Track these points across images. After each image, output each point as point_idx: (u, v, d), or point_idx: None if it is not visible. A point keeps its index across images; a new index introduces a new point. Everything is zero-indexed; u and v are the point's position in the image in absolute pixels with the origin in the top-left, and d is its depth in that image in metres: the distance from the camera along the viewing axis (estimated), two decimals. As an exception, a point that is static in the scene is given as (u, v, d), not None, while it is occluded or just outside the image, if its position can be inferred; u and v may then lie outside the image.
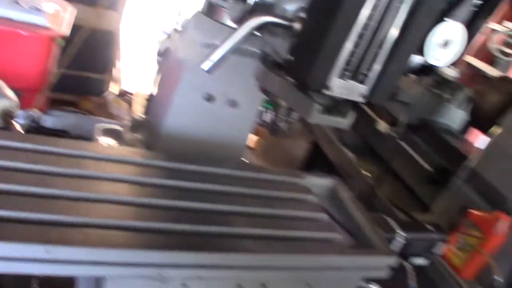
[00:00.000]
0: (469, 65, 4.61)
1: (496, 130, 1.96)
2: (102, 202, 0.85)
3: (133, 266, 0.77)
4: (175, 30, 1.37)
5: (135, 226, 0.83)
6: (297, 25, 0.72)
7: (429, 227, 1.35)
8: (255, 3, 0.75)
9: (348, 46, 0.69)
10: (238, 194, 1.05)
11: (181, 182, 1.00)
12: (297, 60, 0.72)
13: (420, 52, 0.75)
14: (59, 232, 0.73)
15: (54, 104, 3.04)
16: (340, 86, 0.72)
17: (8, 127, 1.15)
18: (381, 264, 1.04)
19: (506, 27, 3.78)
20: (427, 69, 0.98)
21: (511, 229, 1.71)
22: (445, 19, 0.75)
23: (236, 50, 1.07)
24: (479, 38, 4.20)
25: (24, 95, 2.47)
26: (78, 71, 3.87)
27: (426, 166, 2.21)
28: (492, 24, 4.11)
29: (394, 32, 0.72)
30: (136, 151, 1.10)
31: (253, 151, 3.57)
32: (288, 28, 0.72)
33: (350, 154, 2.35)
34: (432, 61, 0.76)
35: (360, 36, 0.69)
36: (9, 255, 0.69)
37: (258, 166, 1.25)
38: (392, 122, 2.34)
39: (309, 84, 0.70)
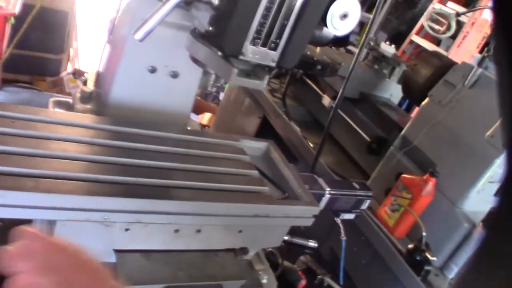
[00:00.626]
0: (416, 45, 4.85)
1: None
2: (53, 157, 0.96)
3: (81, 211, 0.89)
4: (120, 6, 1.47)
5: (83, 177, 0.94)
6: (215, 0, 0.84)
7: (355, 185, 1.50)
8: (184, -19, 0.87)
9: (257, 17, 0.82)
10: (178, 153, 1.17)
11: (126, 143, 1.11)
12: (216, 30, 0.85)
13: (324, 23, 0.89)
14: (13, 180, 0.84)
15: (9, 83, 3.06)
16: (254, 52, 0.85)
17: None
18: (305, 213, 1.19)
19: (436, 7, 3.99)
20: (342, 41, 1.13)
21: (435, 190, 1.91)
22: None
23: (172, 25, 1.19)
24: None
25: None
26: (33, 51, 3.85)
27: (365, 136, 2.39)
28: (435, 4, 4.34)
29: (298, 5, 0.85)
30: (85, 116, 1.20)
31: (206, 128, 3.69)
32: (208, 3, 0.85)
33: (295, 127, 2.51)
34: (333, 30, 0.90)
35: (267, 9, 0.82)
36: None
37: (199, 131, 1.38)
38: (335, 96, 2.50)
39: (225, 50, 0.83)
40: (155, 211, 0.96)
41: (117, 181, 0.96)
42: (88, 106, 1.41)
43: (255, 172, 1.21)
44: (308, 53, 2.57)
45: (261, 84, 0.88)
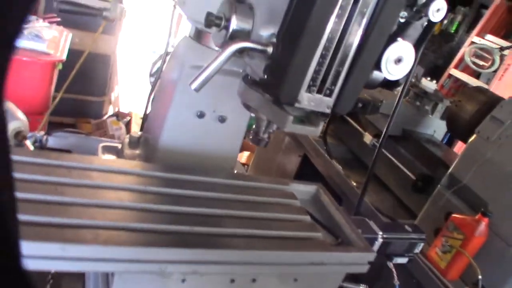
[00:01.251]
0: (455, 78, 4.77)
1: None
2: (108, 207, 0.97)
3: (138, 262, 0.89)
4: (166, 52, 1.51)
5: (139, 228, 0.94)
6: (269, 49, 0.85)
7: (408, 228, 1.45)
8: (234, 30, 0.89)
9: (313, 64, 0.82)
10: (229, 200, 1.17)
11: (177, 190, 1.12)
12: (271, 79, 0.85)
13: (378, 67, 0.88)
14: (72, 233, 0.85)
15: (54, 127, 3.17)
16: (309, 100, 0.85)
17: (21, 146, 1.27)
18: (360, 259, 1.15)
19: (478, 42, 3.94)
20: (391, 83, 1.11)
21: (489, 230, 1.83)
22: (397, 39, 0.88)
23: (220, 71, 1.21)
24: (463, 52, 4.38)
25: (28, 118, 2.61)
26: (77, 95, 3.99)
27: (409, 174, 2.33)
28: (473, 37, 4.29)
29: (352, 51, 0.85)
30: (136, 163, 1.22)
31: (246, 166, 3.69)
32: (262, 52, 0.85)
33: (337, 166, 2.48)
34: (387, 75, 0.89)
35: (323, 57, 0.82)
36: (30, 254, 0.81)
37: (248, 175, 1.37)
38: (377, 134, 2.47)
39: (282, 99, 0.83)
40: (211, 261, 0.95)
41: (171, 231, 0.96)
42: (137, 152, 1.44)
43: (307, 218, 1.19)
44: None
45: (316, 131, 0.87)
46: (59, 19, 2.96)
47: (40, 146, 1.88)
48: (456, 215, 1.90)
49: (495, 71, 4.00)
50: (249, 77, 0.96)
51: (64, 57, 2.66)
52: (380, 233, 1.33)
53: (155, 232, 0.94)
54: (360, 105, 2.48)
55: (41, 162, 1.02)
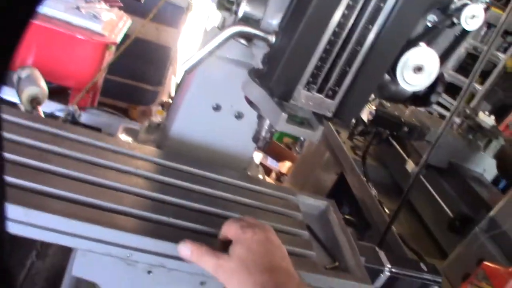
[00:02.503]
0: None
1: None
2: (87, 182, 0.92)
3: (102, 243, 0.83)
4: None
5: (112, 208, 0.88)
6: (272, 38, 0.77)
7: (423, 267, 1.31)
8: (244, 16, 0.81)
9: (314, 59, 0.73)
10: (224, 198, 1.09)
11: (170, 179, 1.06)
12: (267, 69, 0.77)
13: (393, 74, 0.78)
14: (39, 200, 0.81)
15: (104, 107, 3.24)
16: (307, 98, 0.76)
17: (33, 112, 1.27)
18: (353, 289, 1.04)
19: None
20: (421, 99, 1.00)
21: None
22: (420, 44, 0.77)
23: (243, 65, 1.15)
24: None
25: (74, 93, 2.67)
26: (133, 81, 4.08)
27: (448, 211, 2.15)
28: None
29: (363, 51, 0.75)
30: (137, 145, 1.17)
31: (284, 176, 3.60)
32: (265, 40, 0.78)
33: (372, 189, 2.33)
34: (403, 84, 0.78)
35: (326, 52, 0.73)
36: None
37: (255, 178, 1.29)
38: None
39: (274, 92, 0.75)
40: (180, 257, 0.88)
41: (145, 217, 0.90)
42: (152, 137, 1.40)
43: (305, 233, 1.09)
44: (396, 113, 2.42)
45: (314, 135, 0.77)
46: (121, 4, 3.02)
47: (72, 120, 1.90)
48: (488, 263, 1.71)
49: None
50: (253, 69, 0.88)
51: (118, 40, 2.70)
52: (388, 266, 1.20)
53: (129, 215, 0.88)
54: (406, 129, 2.34)
55: (39, 128, 1.00)
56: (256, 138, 0.93)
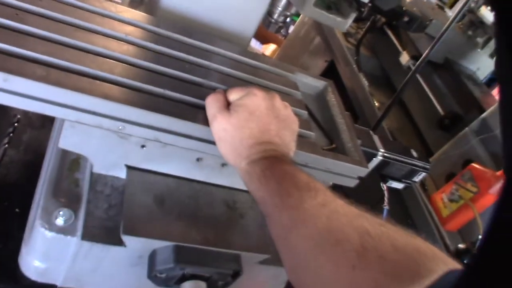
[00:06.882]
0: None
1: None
2: (70, 47, 0.80)
3: (92, 114, 0.75)
4: None
5: (101, 76, 0.77)
6: None
7: (414, 153, 1.30)
8: None
9: None
10: (221, 72, 1.00)
11: (164, 49, 0.94)
12: None
13: None
14: (20, 64, 0.72)
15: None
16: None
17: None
18: (350, 172, 1.01)
19: None
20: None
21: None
22: None
23: None
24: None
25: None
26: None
27: (439, 108, 2.13)
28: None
29: None
30: (125, 9, 1.00)
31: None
32: None
33: (364, 80, 2.28)
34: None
35: None
36: None
37: (253, 53, 1.18)
38: (415, 56, 2.24)
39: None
40: (176, 132, 0.82)
41: (138, 88, 0.81)
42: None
43: (304, 113, 1.03)
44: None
45: (343, 23, 0.68)
46: None
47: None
48: (476, 165, 1.72)
49: None
50: None
51: None
52: (382, 150, 1.18)
53: (120, 85, 0.80)
54: (406, 19, 2.22)
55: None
56: (268, 23, 0.83)
